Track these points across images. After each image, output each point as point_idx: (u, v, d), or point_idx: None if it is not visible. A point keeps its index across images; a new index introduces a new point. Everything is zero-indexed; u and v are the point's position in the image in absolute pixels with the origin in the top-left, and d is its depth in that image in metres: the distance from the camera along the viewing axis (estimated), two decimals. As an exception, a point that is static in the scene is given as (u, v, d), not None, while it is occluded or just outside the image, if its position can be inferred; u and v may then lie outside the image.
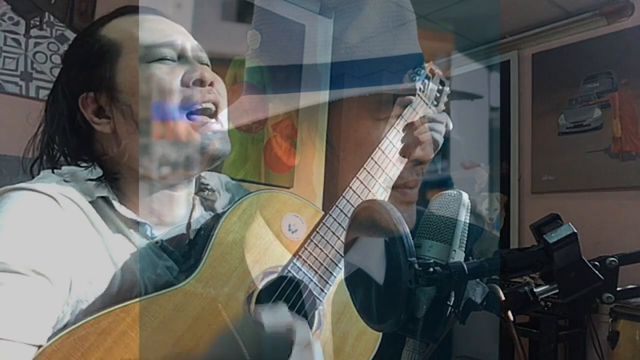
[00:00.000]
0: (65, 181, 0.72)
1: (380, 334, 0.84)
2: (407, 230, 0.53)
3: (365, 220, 0.59)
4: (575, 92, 2.62)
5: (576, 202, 2.55)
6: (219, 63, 1.56)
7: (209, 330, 0.67)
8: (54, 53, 1.65)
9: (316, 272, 0.77)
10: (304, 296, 0.76)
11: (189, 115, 0.74)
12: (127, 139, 0.74)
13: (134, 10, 0.80)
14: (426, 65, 1.00)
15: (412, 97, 0.96)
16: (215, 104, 0.76)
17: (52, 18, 1.67)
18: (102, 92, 0.74)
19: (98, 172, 0.74)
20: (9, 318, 0.57)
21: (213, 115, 0.76)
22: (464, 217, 0.63)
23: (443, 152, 1.05)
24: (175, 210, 0.79)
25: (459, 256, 0.61)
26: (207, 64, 0.81)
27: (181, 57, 0.77)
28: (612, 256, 0.56)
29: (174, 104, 0.73)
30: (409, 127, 0.95)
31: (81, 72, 0.76)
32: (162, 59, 0.74)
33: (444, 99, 1.03)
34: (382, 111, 1.08)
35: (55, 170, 0.75)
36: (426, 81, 0.99)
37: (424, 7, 2.40)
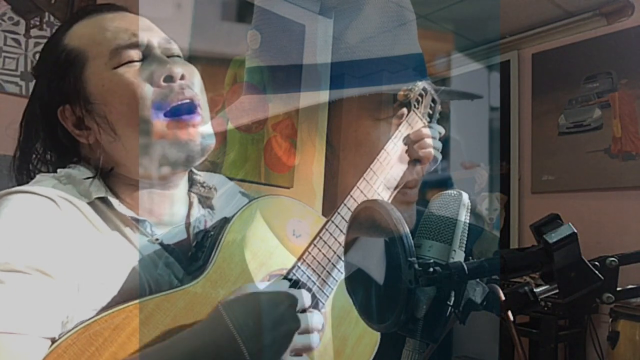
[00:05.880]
0: (62, 183, 0.72)
1: (379, 337, 0.86)
2: (407, 230, 0.53)
3: (365, 220, 0.59)
4: (575, 92, 2.62)
5: (576, 202, 2.55)
6: (219, 63, 1.57)
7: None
8: (54, 53, 1.65)
9: (319, 276, 0.80)
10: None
11: (167, 114, 0.72)
12: (108, 147, 0.73)
13: (94, 10, 0.78)
14: (419, 83, 1.03)
15: (404, 110, 1.00)
16: (191, 99, 0.74)
17: (52, 18, 1.67)
18: (76, 104, 0.73)
19: (88, 172, 0.74)
20: (18, 313, 0.58)
21: (192, 110, 0.74)
22: (464, 217, 0.63)
23: (443, 152, 1.06)
24: (172, 208, 0.79)
25: (459, 256, 0.61)
26: (177, 55, 0.78)
27: (148, 55, 0.74)
28: (612, 256, 0.56)
29: (148, 107, 0.71)
30: (406, 140, 0.98)
31: (52, 84, 0.74)
32: (127, 62, 0.72)
33: (437, 115, 1.07)
34: (382, 111, 1.08)
35: (51, 173, 0.75)
36: (420, 98, 1.02)
37: (424, 7, 2.40)
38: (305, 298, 0.73)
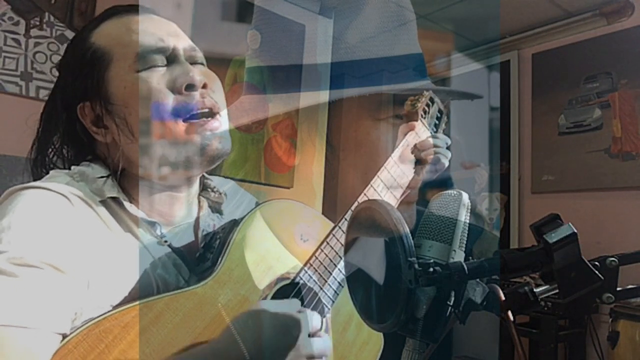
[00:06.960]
0: (75, 181, 0.72)
1: (382, 343, 0.86)
2: (407, 230, 0.53)
3: (365, 221, 0.59)
4: (575, 92, 2.62)
5: (576, 202, 2.55)
6: (219, 63, 1.57)
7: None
8: (54, 53, 1.65)
9: (325, 281, 0.80)
10: (313, 303, 0.78)
11: (186, 119, 0.73)
12: (125, 147, 0.74)
13: (123, 10, 0.78)
14: (426, 93, 1.02)
15: (415, 123, 0.99)
16: (211, 108, 0.75)
17: (52, 18, 1.67)
18: (97, 102, 0.74)
19: (102, 171, 0.74)
20: (31, 308, 0.59)
21: (211, 116, 0.75)
22: (464, 217, 0.63)
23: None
24: (178, 210, 0.80)
25: (459, 256, 0.61)
26: (201, 63, 0.79)
27: (172, 61, 0.75)
28: (612, 256, 0.56)
29: (168, 112, 0.71)
30: (414, 149, 0.98)
31: (76, 81, 0.75)
32: (151, 67, 0.73)
33: (443, 125, 1.07)
34: (382, 111, 1.08)
35: (65, 170, 0.75)
36: (427, 108, 1.02)
37: (424, 7, 2.40)
38: (315, 321, 0.72)
